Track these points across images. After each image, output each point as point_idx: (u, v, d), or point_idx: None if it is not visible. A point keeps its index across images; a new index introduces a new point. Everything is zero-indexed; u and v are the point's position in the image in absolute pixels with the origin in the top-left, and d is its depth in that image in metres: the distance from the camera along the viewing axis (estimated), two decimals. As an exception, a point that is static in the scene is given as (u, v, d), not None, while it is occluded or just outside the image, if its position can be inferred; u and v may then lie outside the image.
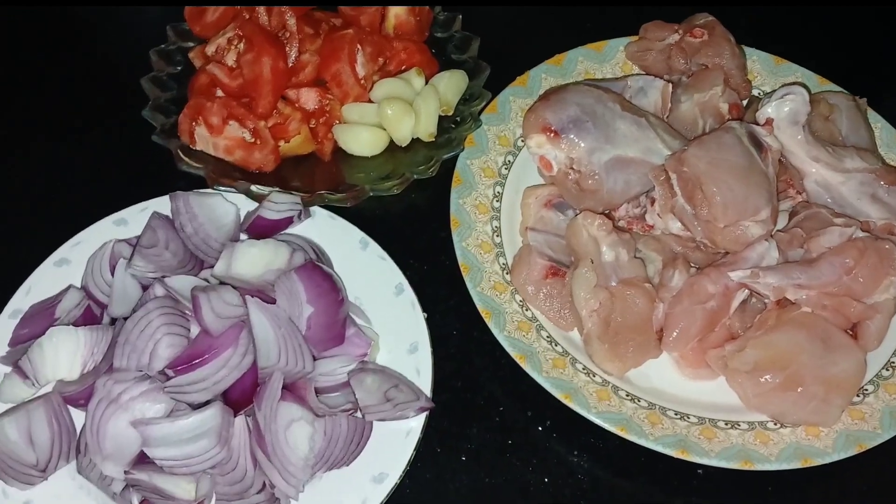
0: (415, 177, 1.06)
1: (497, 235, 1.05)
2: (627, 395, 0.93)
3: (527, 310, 0.99)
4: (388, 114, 1.08)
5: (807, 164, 1.01)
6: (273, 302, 0.89)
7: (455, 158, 1.08)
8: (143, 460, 0.83)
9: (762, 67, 1.20)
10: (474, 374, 0.99)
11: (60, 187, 1.10)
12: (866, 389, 0.94)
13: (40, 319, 0.92)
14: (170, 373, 0.84)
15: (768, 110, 1.00)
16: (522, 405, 0.97)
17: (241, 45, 1.08)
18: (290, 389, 0.87)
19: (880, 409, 0.92)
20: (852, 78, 1.20)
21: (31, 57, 1.18)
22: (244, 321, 0.87)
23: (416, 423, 0.89)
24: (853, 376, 0.91)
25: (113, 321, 0.94)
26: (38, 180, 1.09)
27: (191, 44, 1.15)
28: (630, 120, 1.01)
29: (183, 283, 0.91)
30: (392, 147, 1.12)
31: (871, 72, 1.29)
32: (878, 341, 0.94)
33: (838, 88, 1.17)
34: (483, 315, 0.96)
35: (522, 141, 1.11)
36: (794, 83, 1.09)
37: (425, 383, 0.92)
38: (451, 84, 1.13)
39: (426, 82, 1.14)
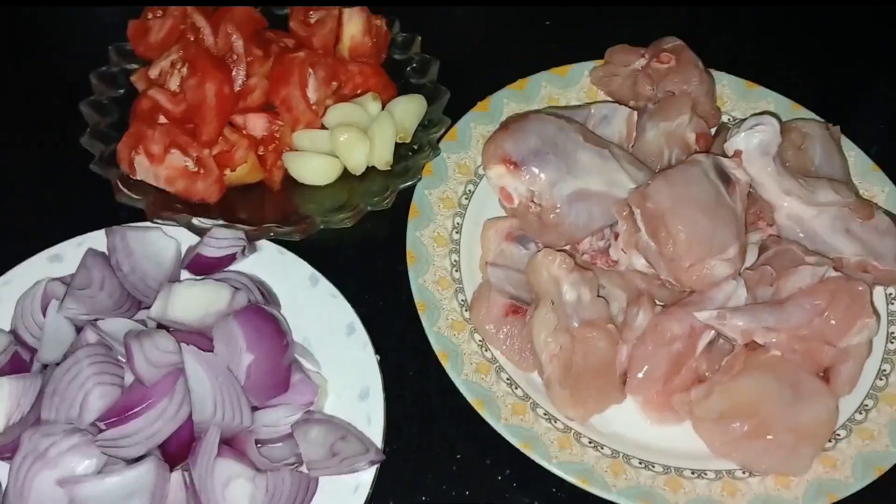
0: (369, 208, 1.01)
1: (456, 270, 1.00)
2: (590, 442, 0.89)
3: (486, 350, 0.94)
4: (341, 141, 1.03)
5: (778, 197, 0.97)
6: (212, 349, 0.84)
7: (412, 188, 1.03)
8: (70, 522, 0.78)
9: (732, 92, 1.16)
10: (430, 419, 0.94)
11: (-9, 219, 1.04)
12: (838, 434, 0.90)
13: (-38, 366, 0.86)
14: (101, 426, 0.78)
15: (737, 141, 0.96)
16: (481, 452, 0.92)
17: (185, 69, 1.02)
18: (230, 443, 0.82)
19: (853, 456, 0.88)
20: (825, 102, 1.16)
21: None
22: (181, 369, 0.82)
23: (367, 477, 0.84)
24: (824, 424, 0.87)
25: (44, 368, 0.88)
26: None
27: (134, 66, 1.09)
28: (593, 151, 0.97)
29: (117, 327, 0.85)
30: (346, 175, 1.06)
31: (843, 97, 1.25)
32: (851, 387, 0.90)
33: (811, 114, 1.13)
34: (440, 357, 0.91)
35: (483, 170, 1.06)
36: (764, 112, 1.05)
37: (376, 432, 0.86)
38: (409, 109, 1.08)
39: (383, 107, 1.08)
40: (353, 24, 1.11)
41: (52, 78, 1.18)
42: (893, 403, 0.92)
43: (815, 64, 1.31)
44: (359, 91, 1.10)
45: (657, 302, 0.96)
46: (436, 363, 0.92)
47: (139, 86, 1.07)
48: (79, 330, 0.88)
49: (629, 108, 1.06)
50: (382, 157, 1.05)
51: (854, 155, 1.10)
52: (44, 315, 0.89)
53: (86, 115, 1.03)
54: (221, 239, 0.92)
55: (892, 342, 0.97)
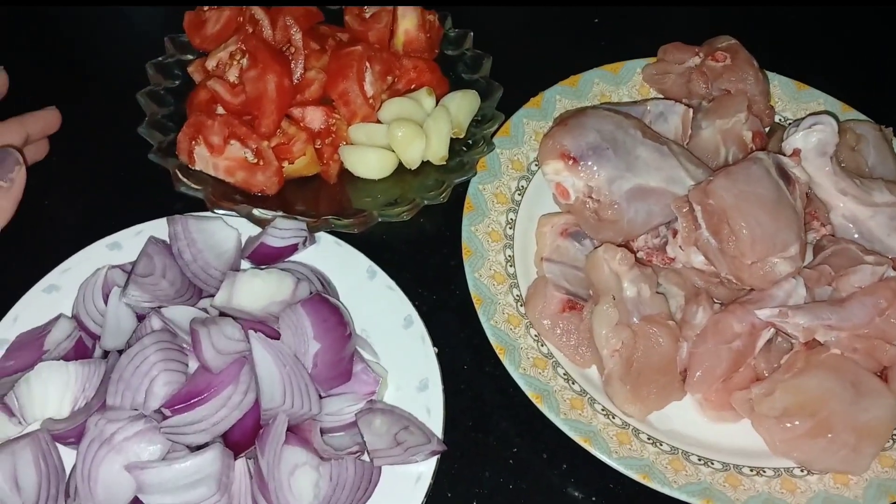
0: (425, 202, 1.02)
1: (510, 265, 1.00)
2: (649, 439, 0.89)
3: (542, 345, 0.94)
4: (398, 136, 1.03)
5: (834, 196, 0.97)
6: (277, 337, 0.84)
7: (466, 183, 1.04)
8: (136, 506, 0.78)
9: (783, 93, 1.16)
10: (487, 413, 0.94)
11: (50, 208, 1.04)
12: (896, 435, 0.91)
13: (28, 351, 0.86)
14: (166, 412, 0.79)
15: (796, 140, 0.96)
16: (537, 446, 0.92)
17: (244, 61, 1.02)
18: (294, 431, 0.82)
19: (912, 457, 0.89)
20: (873, 105, 1.16)
21: (19, 65, 1.12)
22: (246, 357, 0.82)
23: (427, 468, 0.84)
24: (885, 423, 0.87)
25: (105, 354, 0.88)
26: (26, 199, 1.03)
27: (190, 56, 1.10)
28: (652, 147, 0.97)
29: (181, 315, 0.86)
30: (401, 170, 1.06)
31: (892, 98, 1.25)
32: (912, 386, 0.90)
33: (862, 116, 1.13)
34: (497, 351, 0.91)
35: (536, 165, 1.07)
36: (821, 112, 1.05)
37: (436, 424, 0.87)
38: (463, 105, 1.08)
39: (437, 102, 1.09)
40: (408, 20, 1.11)
41: (109, 68, 1.19)
42: (951, 404, 0.92)
43: (864, 66, 1.31)
44: (412, 86, 1.10)
45: (715, 300, 0.96)
46: (491, 357, 0.92)
47: (196, 77, 1.07)
48: (140, 317, 0.88)
49: (685, 105, 1.06)
50: (438, 153, 1.05)
51: (906, 157, 1.09)
52: (105, 302, 0.89)
53: (143, 104, 1.04)
54: (285, 229, 0.93)
55: (948, 344, 0.97)
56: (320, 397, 0.84)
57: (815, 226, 1.01)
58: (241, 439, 0.81)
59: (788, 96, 1.16)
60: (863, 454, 0.86)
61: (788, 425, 0.86)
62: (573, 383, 0.92)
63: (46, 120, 1.01)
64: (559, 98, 1.13)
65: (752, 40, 1.15)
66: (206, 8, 1.09)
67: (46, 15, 1.25)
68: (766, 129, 1.09)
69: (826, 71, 1.25)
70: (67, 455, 0.82)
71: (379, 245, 1.01)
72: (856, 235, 0.98)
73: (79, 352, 0.87)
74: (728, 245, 0.90)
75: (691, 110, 1.05)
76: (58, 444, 0.82)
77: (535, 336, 0.95)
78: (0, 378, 0.86)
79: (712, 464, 0.87)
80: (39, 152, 1.04)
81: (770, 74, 1.15)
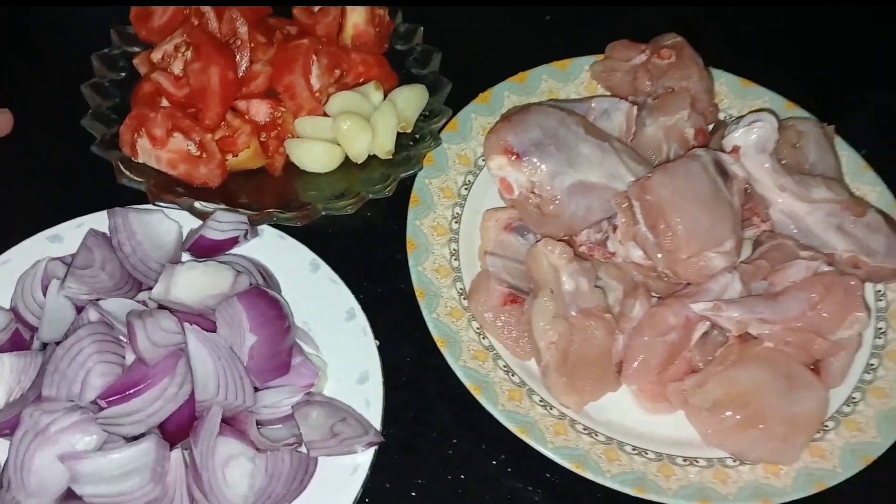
0: (370, 196, 1.02)
1: (455, 259, 1.01)
2: (585, 429, 0.90)
3: (484, 338, 0.95)
4: (344, 129, 1.03)
5: (773, 193, 0.99)
6: (214, 329, 0.84)
7: (413, 177, 1.04)
8: (71, 497, 0.78)
9: (729, 90, 1.17)
10: (427, 405, 0.95)
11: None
12: (827, 426, 0.92)
13: (-37, 343, 0.86)
14: (102, 403, 0.79)
15: (736, 137, 0.97)
16: (476, 438, 0.93)
17: (189, 53, 1.02)
18: (230, 423, 0.82)
19: (840, 447, 0.90)
20: (820, 103, 1.18)
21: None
22: (182, 349, 0.82)
23: (364, 459, 0.85)
24: (815, 415, 0.89)
25: (44, 346, 0.88)
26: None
27: (136, 49, 1.10)
28: (593, 144, 0.98)
29: (118, 307, 0.86)
30: (347, 164, 1.07)
31: (838, 98, 1.27)
32: (842, 378, 0.92)
33: (805, 113, 1.15)
34: (438, 343, 0.92)
35: (483, 160, 1.07)
36: (762, 109, 1.07)
37: (375, 416, 0.87)
38: (411, 99, 1.09)
39: (384, 97, 1.09)
40: (357, 14, 1.12)
41: (54, 60, 1.18)
42: (881, 396, 0.94)
43: (811, 64, 1.33)
44: (361, 80, 1.11)
45: (653, 294, 0.97)
46: (433, 350, 0.93)
47: (141, 69, 1.07)
48: (79, 309, 0.88)
49: (629, 102, 1.07)
50: (384, 146, 1.05)
51: (847, 154, 1.11)
52: (44, 294, 0.89)
53: (87, 96, 1.04)
54: (224, 222, 0.93)
55: (879, 337, 0.99)
56: (256, 389, 0.84)
57: (755, 221, 1.02)
58: (177, 430, 0.81)
59: (734, 94, 1.17)
60: (793, 445, 0.87)
61: (721, 416, 0.87)
62: (513, 375, 0.93)
63: None
64: (507, 94, 1.13)
65: (705, 38, 1.16)
66: (153, 0, 1.09)
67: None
68: (711, 127, 1.10)
69: (779, 69, 1.26)
70: (1, 448, 0.81)
71: (324, 238, 1.01)
72: (794, 230, 0.99)
73: (15, 344, 0.87)
74: (664, 240, 0.91)
75: (636, 107, 1.06)
76: (-7, 437, 0.82)
77: (478, 329, 0.96)
78: (-66, 370, 0.85)
79: (646, 454, 0.89)
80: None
81: (716, 72, 1.16)
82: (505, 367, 0.93)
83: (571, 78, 1.16)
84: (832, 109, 1.16)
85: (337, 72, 1.08)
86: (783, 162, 1.02)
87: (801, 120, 1.09)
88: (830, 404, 0.93)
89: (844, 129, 1.14)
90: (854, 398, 0.95)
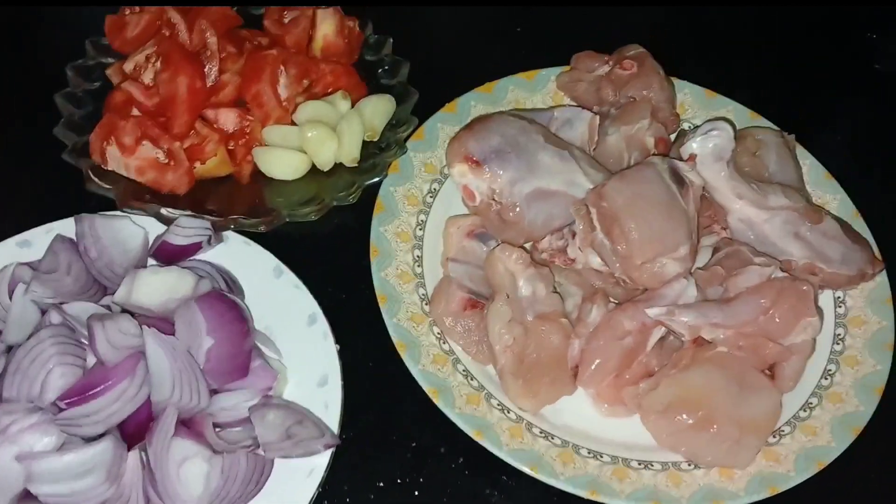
0: (335, 203, 1.04)
1: (418, 265, 1.02)
2: (541, 433, 0.91)
3: (444, 343, 0.97)
4: (310, 137, 1.05)
5: (730, 200, 1.00)
6: (173, 333, 0.86)
7: (378, 185, 1.06)
8: (27, 497, 0.79)
9: (693, 100, 1.19)
10: (387, 409, 0.96)
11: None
12: (783, 430, 0.93)
13: (-73, 345, 0.87)
14: (62, 405, 0.80)
15: (692, 146, 0.99)
16: (436, 441, 0.94)
17: (159, 63, 1.04)
18: (188, 424, 0.84)
19: (795, 451, 0.91)
20: (784, 113, 1.19)
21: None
22: (142, 352, 0.84)
23: (322, 460, 0.86)
24: (768, 418, 0.90)
25: (9, 349, 0.89)
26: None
27: (110, 60, 1.12)
28: (553, 152, 1.00)
29: (81, 310, 0.88)
30: (314, 171, 1.09)
31: (802, 107, 1.28)
32: (794, 382, 0.93)
33: (768, 123, 1.16)
34: (397, 347, 0.94)
35: (447, 167, 1.09)
36: (719, 118, 1.08)
37: (333, 419, 0.89)
38: (378, 109, 1.11)
39: (353, 106, 1.11)
40: (327, 25, 1.14)
41: (29, 70, 1.20)
42: (837, 402, 0.95)
43: (778, 75, 1.35)
44: (330, 90, 1.13)
45: (612, 300, 0.98)
46: (394, 357, 0.94)
47: (114, 79, 1.09)
48: (45, 312, 0.90)
49: (592, 112, 1.09)
50: (350, 154, 1.07)
51: (809, 163, 1.13)
52: (10, 298, 0.91)
53: (60, 106, 1.06)
54: (187, 227, 0.94)
55: (837, 343, 1.00)
56: (214, 392, 0.85)
57: (715, 229, 1.04)
58: (135, 431, 0.83)
59: (698, 104, 1.19)
60: (746, 447, 0.88)
61: (674, 419, 0.89)
62: (472, 379, 0.94)
63: None
64: (474, 104, 1.15)
65: (670, 48, 1.18)
66: (127, 11, 1.11)
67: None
68: (673, 136, 1.12)
69: (745, 79, 1.28)
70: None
71: (290, 244, 1.02)
72: (752, 238, 1.01)
73: (-20, 346, 0.89)
74: (619, 246, 0.93)
75: (598, 117, 1.08)
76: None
77: (438, 334, 0.97)
78: None
79: (601, 457, 0.90)
80: None
81: (680, 83, 1.18)
82: (464, 371, 0.95)
83: (538, 88, 1.18)
84: (800, 121, 1.18)
85: (305, 81, 1.10)
86: (746, 170, 1.04)
87: (760, 129, 1.11)
88: (788, 409, 0.94)
89: (812, 140, 1.16)
90: (811, 403, 0.96)
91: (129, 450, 0.82)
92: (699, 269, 0.97)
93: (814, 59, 1.39)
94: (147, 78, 1.06)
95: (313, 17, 1.14)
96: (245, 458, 0.83)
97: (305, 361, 0.93)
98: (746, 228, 1.01)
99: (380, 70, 1.18)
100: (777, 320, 0.91)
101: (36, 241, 0.97)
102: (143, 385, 0.83)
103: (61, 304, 0.88)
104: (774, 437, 0.92)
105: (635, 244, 0.92)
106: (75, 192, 1.01)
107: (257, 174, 1.08)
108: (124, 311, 0.89)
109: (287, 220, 1.02)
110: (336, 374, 0.92)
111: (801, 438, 0.93)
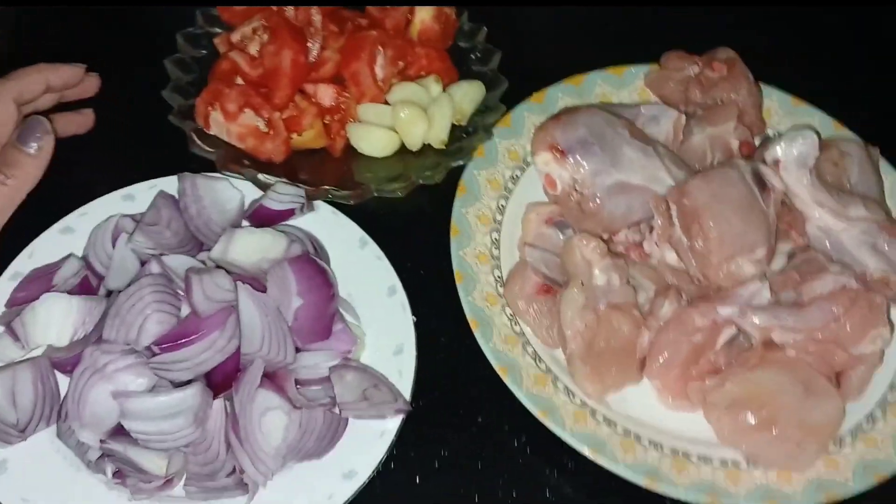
0: (421, 182, 1.08)
1: (496, 248, 1.05)
2: (604, 419, 0.93)
3: (515, 324, 1.00)
4: (402, 117, 1.09)
5: (810, 207, 1.01)
6: (264, 290, 0.91)
7: (462, 168, 1.10)
8: (120, 432, 0.85)
9: (780, 107, 1.19)
10: (457, 382, 1.00)
11: (75, 158, 1.11)
12: (844, 439, 0.94)
13: (38, 284, 0.94)
14: (156, 349, 0.86)
15: (777, 151, 1.00)
16: (501, 418, 0.97)
17: (265, 36, 1.10)
18: (271, 378, 0.89)
19: (855, 461, 0.92)
20: (870, 126, 1.19)
21: (60, 30, 1.20)
22: (234, 307, 0.89)
23: (392, 425, 0.90)
24: (831, 424, 0.91)
25: (109, 294, 0.96)
26: (55, 149, 1.12)
27: (218, 30, 1.18)
28: (637, 147, 1.02)
29: (179, 263, 0.93)
30: (403, 150, 1.13)
31: (889, 121, 1.27)
32: (860, 391, 0.94)
33: (853, 136, 1.16)
34: (471, 324, 0.97)
35: (531, 155, 1.12)
36: (805, 126, 1.09)
37: (406, 386, 0.93)
38: (468, 94, 1.14)
39: (444, 90, 1.15)
40: (425, 10, 1.18)
41: (143, 36, 1.27)
42: (901, 416, 0.96)
43: (867, 87, 1.34)
44: (423, 73, 1.16)
45: (683, 297, 1.00)
46: (467, 333, 0.97)
47: (221, 48, 1.15)
48: (143, 263, 0.95)
49: (678, 111, 1.10)
50: (438, 136, 1.11)
51: (892, 178, 1.12)
52: (113, 246, 0.97)
53: (169, 70, 1.12)
54: (284, 194, 0.99)
55: (908, 358, 1.00)
56: (298, 349, 0.90)
57: (792, 236, 1.04)
58: (222, 381, 0.87)
59: (784, 111, 1.19)
60: (806, 451, 0.89)
61: (737, 416, 0.90)
62: (540, 361, 0.97)
63: (70, 75, 1.03)
64: (561, 96, 1.18)
65: (759, 54, 1.19)
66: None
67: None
68: (758, 141, 1.13)
69: (834, 88, 1.27)
70: (64, 383, 0.88)
71: (374, 218, 1.06)
72: (828, 247, 1.01)
73: (84, 289, 0.95)
74: (697, 243, 0.95)
75: (684, 116, 1.09)
76: (56, 371, 0.90)
77: (510, 315, 1.00)
78: (12, 307, 0.94)
79: (662, 448, 0.92)
80: (83, 124, 1.10)
81: (768, 89, 1.19)
82: (533, 353, 0.98)
83: (626, 84, 1.20)
84: (885, 134, 1.17)
85: (401, 63, 1.14)
86: (823, 179, 1.04)
87: (845, 140, 1.11)
88: (851, 419, 0.94)
89: (896, 154, 1.15)
90: (875, 415, 0.96)
91: (214, 398, 0.87)
92: (774, 273, 0.98)
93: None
94: (253, 49, 1.11)
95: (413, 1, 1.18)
96: (322, 414, 0.88)
97: (383, 330, 0.97)
98: (824, 237, 1.01)
99: (472, 57, 1.21)
100: (848, 329, 0.92)
101: (139, 196, 1.03)
102: (232, 338, 0.87)
103: (160, 255, 0.94)
104: (835, 444, 0.93)
105: (713, 243, 0.94)
106: (178, 153, 1.07)
107: (349, 149, 1.12)
108: (217, 266, 0.94)
109: (375, 194, 1.06)
110: (411, 344, 0.95)
111: (862, 449, 0.93)
